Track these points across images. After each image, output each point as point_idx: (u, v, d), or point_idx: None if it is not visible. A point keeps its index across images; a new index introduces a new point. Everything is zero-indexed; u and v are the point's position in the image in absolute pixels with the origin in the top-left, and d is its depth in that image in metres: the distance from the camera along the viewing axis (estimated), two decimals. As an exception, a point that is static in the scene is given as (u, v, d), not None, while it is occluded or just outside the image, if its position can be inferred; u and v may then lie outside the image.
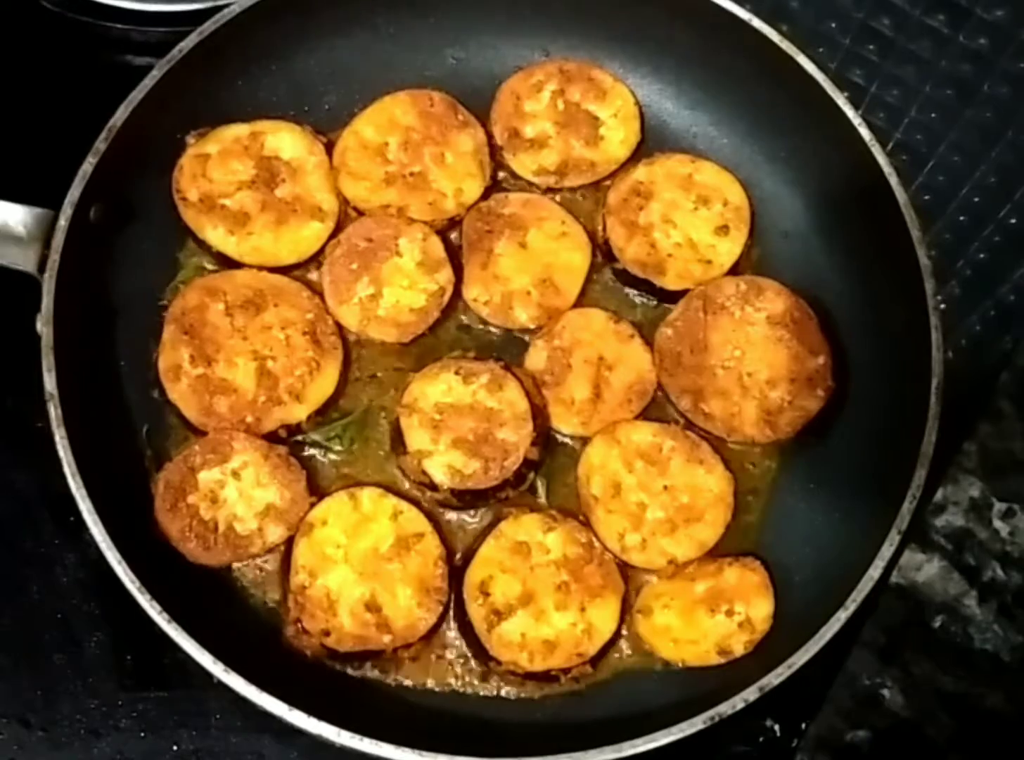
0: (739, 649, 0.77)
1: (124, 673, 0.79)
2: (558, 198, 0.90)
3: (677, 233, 0.88)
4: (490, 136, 0.91)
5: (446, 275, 0.85)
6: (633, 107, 0.92)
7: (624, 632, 0.78)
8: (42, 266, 0.76)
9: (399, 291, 0.84)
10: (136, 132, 0.80)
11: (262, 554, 0.78)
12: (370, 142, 0.89)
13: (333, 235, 0.86)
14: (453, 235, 0.88)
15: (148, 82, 0.80)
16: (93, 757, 0.78)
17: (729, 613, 0.77)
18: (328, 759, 0.73)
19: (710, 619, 0.77)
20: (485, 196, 0.89)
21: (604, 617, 0.77)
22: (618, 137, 0.91)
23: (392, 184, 0.88)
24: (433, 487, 0.80)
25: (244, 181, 0.86)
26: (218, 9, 0.83)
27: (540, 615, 0.77)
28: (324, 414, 0.82)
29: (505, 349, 0.86)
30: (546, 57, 0.94)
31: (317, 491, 0.80)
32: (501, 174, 0.91)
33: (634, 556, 0.79)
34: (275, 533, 0.77)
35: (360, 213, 0.87)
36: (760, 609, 0.78)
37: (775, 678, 0.69)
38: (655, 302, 0.88)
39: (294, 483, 0.78)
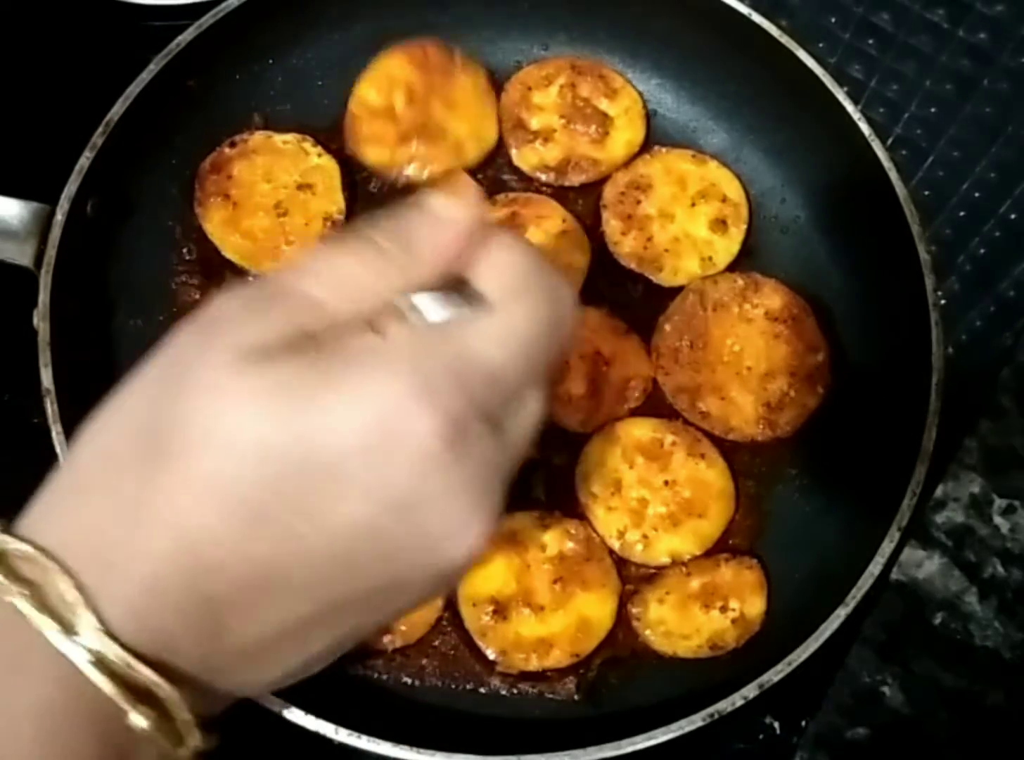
0: (731, 645, 0.76)
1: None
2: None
3: (674, 228, 0.88)
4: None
5: None
6: (641, 108, 0.92)
7: (621, 629, 0.78)
8: (39, 261, 0.75)
9: None
10: (134, 126, 0.80)
11: None
12: (376, 106, 0.88)
13: None
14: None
15: (145, 76, 0.80)
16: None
17: (723, 609, 0.77)
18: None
19: (704, 614, 0.77)
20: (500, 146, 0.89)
21: (601, 615, 0.77)
22: (624, 137, 0.91)
23: (409, 140, 0.86)
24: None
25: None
26: (217, 3, 0.83)
27: (536, 614, 0.76)
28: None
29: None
30: (545, 51, 0.93)
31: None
32: (503, 174, 0.90)
33: (635, 553, 0.79)
34: None
35: (382, 179, 0.87)
36: (754, 606, 0.78)
37: (775, 675, 0.69)
38: (651, 297, 0.87)
39: None
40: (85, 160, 0.77)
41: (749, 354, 0.84)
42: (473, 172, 0.90)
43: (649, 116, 0.92)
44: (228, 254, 0.84)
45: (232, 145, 0.86)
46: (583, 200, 0.90)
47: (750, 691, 0.68)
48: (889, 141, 0.95)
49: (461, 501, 0.38)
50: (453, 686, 0.77)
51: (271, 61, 0.90)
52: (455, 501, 0.38)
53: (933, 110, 0.98)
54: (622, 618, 0.78)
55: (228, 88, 0.87)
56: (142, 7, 0.94)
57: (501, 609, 0.76)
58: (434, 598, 0.42)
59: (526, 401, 0.42)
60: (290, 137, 0.87)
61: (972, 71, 0.98)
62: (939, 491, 0.82)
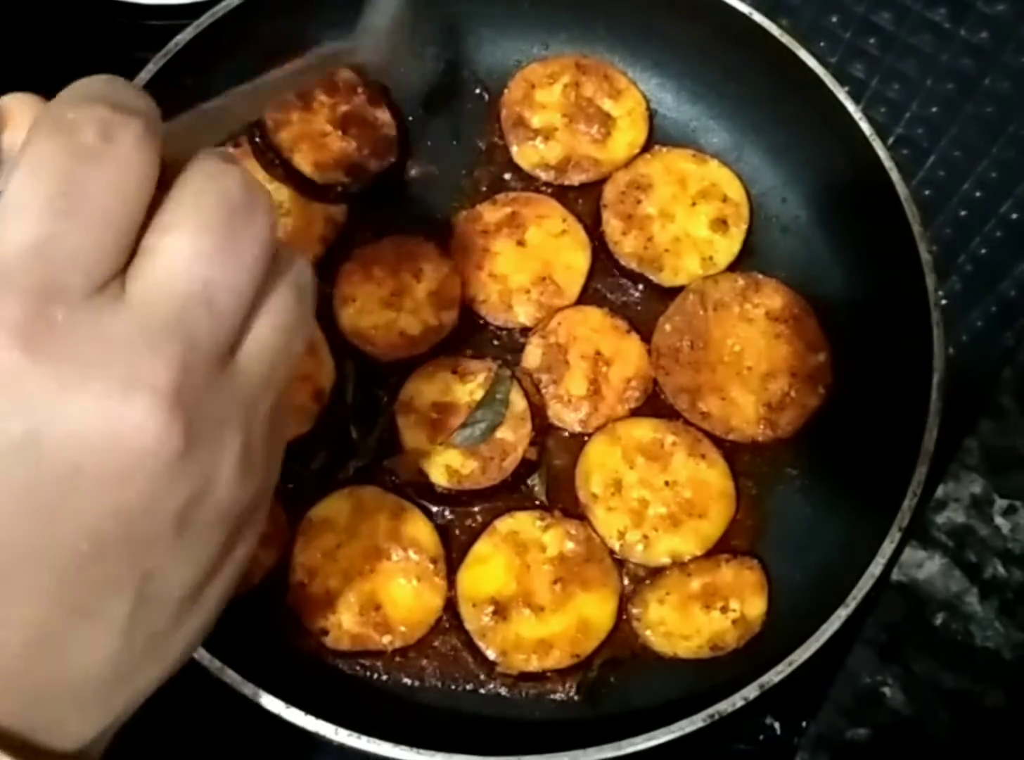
0: (731, 645, 0.76)
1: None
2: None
3: (675, 228, 0.88)
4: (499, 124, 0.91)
5: (451, 316, 0.84)
6: (645, 110, 0.92)
7: (621, 630, 0.78)
8: (38, 261, 0.75)
9: (401, 313, 0.83)
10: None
11: (257, 583, 0.76)
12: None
13: None
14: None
15: (144, 76, 0.80)
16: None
17: (724, 609, 0.77)
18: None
19: (704, 615, 0.77)
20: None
21: (601, 616, 0.77)
22: (626, 138, 0.91)
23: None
24: (430, 487, 0.79)
25: None
26: (215, 3, 0.83)
27: (536, 614, 0.76)
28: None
29: (503, 348, 0.85)
30: (545, 50, 0.93)
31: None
32: (503, 173, 0.90)
33: (635, 553, 0.79)
34: (268, 557, 0.76)
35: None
36: (755, 607, 0.77)
37: (775, 676, 0.69)
38: (652, 297, 0.87)
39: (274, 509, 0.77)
40: (84, 160, 0.77)
41: (750, 354, 0.84)
42: (472, 171, 0.90)
43: (650, 116, 0.92)
44: (228, 254, 0.84)
45: (236, 145, 0.86)
46: (583, 200, 0.90)
47: (751, 691, 0.68)
48: (890, 141, 0.94)
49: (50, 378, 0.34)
50: (453, 687, 0.77)
51: (270, 63, 0.89)
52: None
53: (934, 110, 0.98)
54: (622, 618, 0.78)
55: (226, 88, 0.86)
56: (141, 7, 0.94)
57: (501, 610, 0.76)
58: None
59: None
60: (290, 137, 0.87)
61: (973, 71, 0.98)
62: (940, 491, 0.81)
